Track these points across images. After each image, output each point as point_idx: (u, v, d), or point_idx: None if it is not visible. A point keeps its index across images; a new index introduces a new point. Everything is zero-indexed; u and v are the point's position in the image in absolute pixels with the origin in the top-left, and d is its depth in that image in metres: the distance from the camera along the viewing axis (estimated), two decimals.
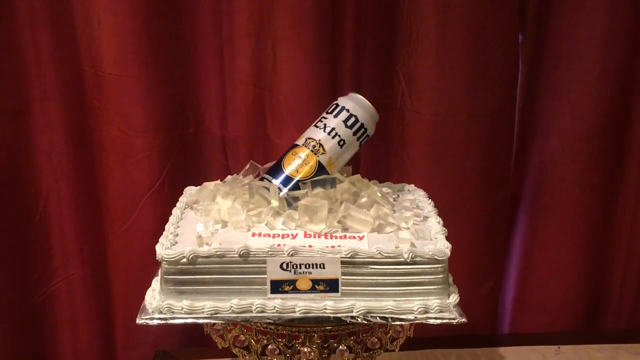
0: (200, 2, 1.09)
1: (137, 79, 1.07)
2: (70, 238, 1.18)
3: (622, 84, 1.17)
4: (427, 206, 0.89)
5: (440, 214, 0.88)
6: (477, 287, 1.26)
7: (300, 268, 0.73)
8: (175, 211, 0.86)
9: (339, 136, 0.87)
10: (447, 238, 0.79)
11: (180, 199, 0.92)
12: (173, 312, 0.74)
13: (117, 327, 1.23)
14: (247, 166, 0.91)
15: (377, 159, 1.19)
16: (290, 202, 0.83)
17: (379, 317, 0.74)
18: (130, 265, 1.17)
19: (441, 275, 0.75)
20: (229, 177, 0.93)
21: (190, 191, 0.95)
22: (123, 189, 1.14)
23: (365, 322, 0.74)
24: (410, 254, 0.73)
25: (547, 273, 1.29)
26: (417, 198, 0.92)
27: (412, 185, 0.98)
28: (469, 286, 1.24)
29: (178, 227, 0.81)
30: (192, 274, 0.74)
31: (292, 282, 0.73)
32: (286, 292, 0.74)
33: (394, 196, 0.92)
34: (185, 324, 0.74)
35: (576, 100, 1.18)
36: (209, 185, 0.90)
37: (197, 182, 0.99)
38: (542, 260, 1.29)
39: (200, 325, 1.12)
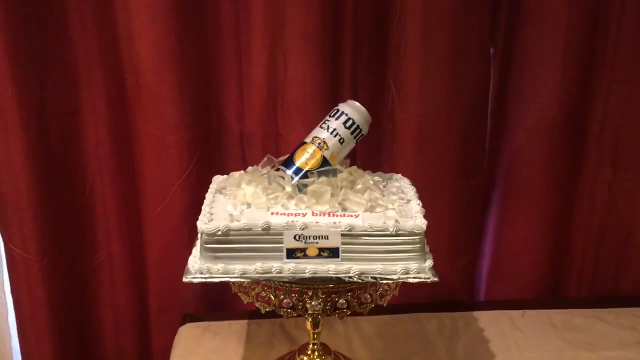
0: (223, 20, 1.24)
1: (170, 84, 1.22)
2: (111, 219, 1.34)
3: (578, 88, 1.32)
4: (410, 191, 1.03)
5: (424, 198, 1.00)
6: (456, 260, 1.40)
7: (309, 239, 0.89)
8: (208, 195, 1.02)
9: (339, 135, 1.01)
10: (425, 216, 0.93)
11: (211, 186, 1.06)
12: (211, 273, 0.90)
13: (150, 294, 1.39)
14: (265, 159, 1.04)
15: (372, 152, 1.32)
16: (301, 188, 0.97)
17: (370, 277, 0.89)
18: (163, 242, 1.33)
19: (419, 245, 0.90)
20: (250, 168, 1.07)
21: (217, 179, 1.09)
22: (157, 177, 1.29)
23: (360, 281, 0.90)
24: (395, 228, 0.89)
25: (516, 249, 1.43)
26: (402, 185, 1.06)
27: (399, 175, 1.11)
28: (449, 260, 1.39)
29: (212, 207, 0.97)
30: (226, 243, 0.89)
31: (303, 250, 0.89)
32: (298, 257, 0.89)
33: (383, 183, 1.05)
34: (220, 282, 0.91)
35: (539, 102, 1.31)
36: (235, 174, 1.06)
37: (220, 172, 1.13)
38: (512, 238, 1.43)
39: (221, 292, 1.30)
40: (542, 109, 1.33)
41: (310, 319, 1.00)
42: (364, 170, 1.07)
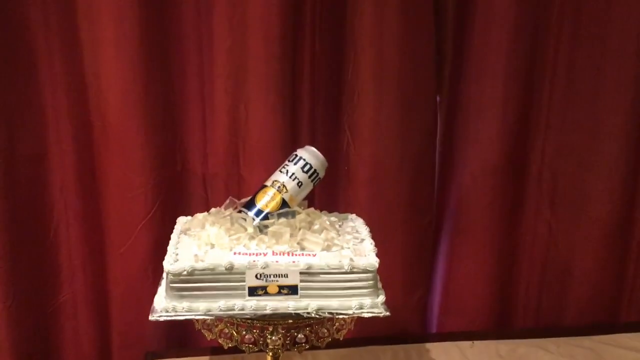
0: (187, 69, 1.30)
1: (136, 130, 1.27)
2: (76, 259, 1.36)
3: (518, 134, 1.42)
4: (364, 231, 1.09)
5: (378, 236, 1.06)
6: (409, 295, 1.47)
7: (270, 277, 0.94)
8: (174, 236, 1.06)
9: (298, 179, 1.07)
10: (377, 254, 0.99)
11: (176, 227, 1.11)
12: (176, 311, 0.94)
13: (113, 332, 1.41)
14: (227, 201, 1.10)
15: (329, 193, 1.39)
16: (262, 229, 1.02)
17: (327, 312, 0.95)
18: (126, 280, 1.36)
19: (372, 281, 0.96)
20: (213, 209, 1.11)
21: (182, 220, 1.14)
22: (122, 218, 1.33)
23: (318, 317, 0.95)
24: (350, 266, 0.95)
25: (465, 283, 1.51)
26: (357, 225, 1.13)
27: (354, 215, 1.17)
28: (402, 295, 1.45)
29: (177, 248, 1.01)
30: (191, 282, 0.94)
31: (264, 288, 0.94)
32: (260, 295, 0.94)
33: (339, 224, 1.11)
34: (185, 320, 0.96)
35: (482, 146, 1.42)
36: (199, 216, 1.11)
37: (184, 212, 1.18)
38: (461, 273, 1.51)
39: (183, 329, 1.33)
40: (485, 153, 1.43)
41: (270, 354, 1.04)
42: (321, 211, 1.14)
